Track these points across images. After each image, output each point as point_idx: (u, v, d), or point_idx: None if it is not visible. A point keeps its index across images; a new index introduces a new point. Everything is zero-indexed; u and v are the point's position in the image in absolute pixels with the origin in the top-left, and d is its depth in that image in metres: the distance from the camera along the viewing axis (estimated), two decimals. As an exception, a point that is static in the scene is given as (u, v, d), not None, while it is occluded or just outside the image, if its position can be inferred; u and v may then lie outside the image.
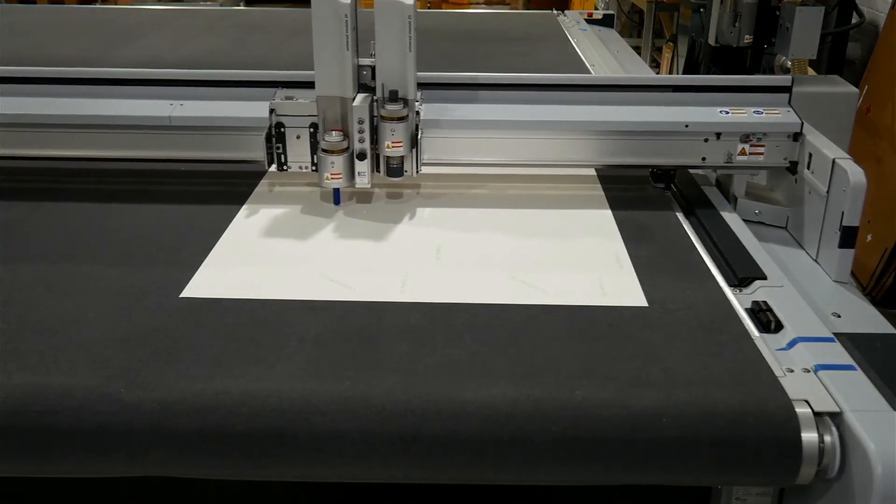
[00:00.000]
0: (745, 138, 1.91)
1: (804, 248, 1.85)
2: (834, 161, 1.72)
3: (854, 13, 3.44)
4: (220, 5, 6.07)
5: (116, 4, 5.89)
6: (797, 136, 1.90)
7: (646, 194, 2.00)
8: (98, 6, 5.27)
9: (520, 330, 1.39)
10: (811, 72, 3.07)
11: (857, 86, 2.25)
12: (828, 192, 1.74)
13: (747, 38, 2.25)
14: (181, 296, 1.48)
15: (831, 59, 3.78)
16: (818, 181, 1.79)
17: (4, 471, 1.24)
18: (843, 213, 1.68)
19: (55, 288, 1.50)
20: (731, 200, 2.00)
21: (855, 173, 1.66)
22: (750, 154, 1.92)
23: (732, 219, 1.87)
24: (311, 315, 1.42)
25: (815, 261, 1.79)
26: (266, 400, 1.20)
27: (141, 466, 1.21)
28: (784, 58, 2.18)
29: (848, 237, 1.69)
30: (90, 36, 3.40)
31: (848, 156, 1.74)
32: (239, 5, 6.96)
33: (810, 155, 1.85)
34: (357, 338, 1.36)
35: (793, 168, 1.92)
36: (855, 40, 3.98)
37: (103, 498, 1.51)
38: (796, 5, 2.12)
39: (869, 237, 3.67)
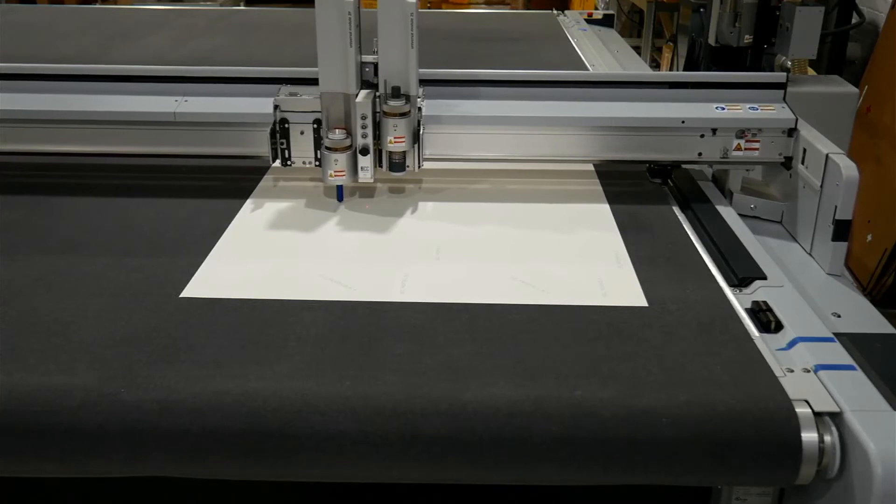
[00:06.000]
0: (741, 134, 1.93)
1: (798, 242, 1.87)
2: (827, 156, 1.74)
3: (854, 13, 3.43)
4: (220, 5, 6.07)
5: (116, 4, 5.89)
6: (792, 132, 1.92)
7: (643, 189, 2.01)
8: (98, 6, 5.27)
9: (520, 330, 1.39)
10: (811, 72, 3.07)
11: (857, 86, 2.25)
12: (821, 186, 1.76)
13: (747, 38, 2.25)
14: (181, 295, 1.48)
15: (831, 59, 3.78)
16: (812, 176, 1.80)
17: (4, 471, 1.24)
18: (836, 206, 1.69)
19: (55, 287, 1.50)
20: (727, 195, 2.01)
21: (847, 167, 1.67)
22: (745, 149, 1.94)
23: (729, 214, 1.88)
24: (311, 315, 1.42)
25: (810, 254, 1.81)
26: (266, 400, 1.20)
27: (141, 466, 1.21)
28: (784, 58, 2.18)
29: (841, 230, 1.70)
30: (91, 36, 3.40)
31: (841, 150, 1.76)
32: (239, 5, 6.96)
33: (804, 150, 1.86)
34: (357, 338, 1.36)
35: (787, 163, 1.94)
36: (855, 40, 3.98)
37: (103, 498, 1.51)
38: (796, 5, 2.12)
39: (869, 237, 3.67)
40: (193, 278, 1.54)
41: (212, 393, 1.22)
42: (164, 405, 1.20)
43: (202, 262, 1.61)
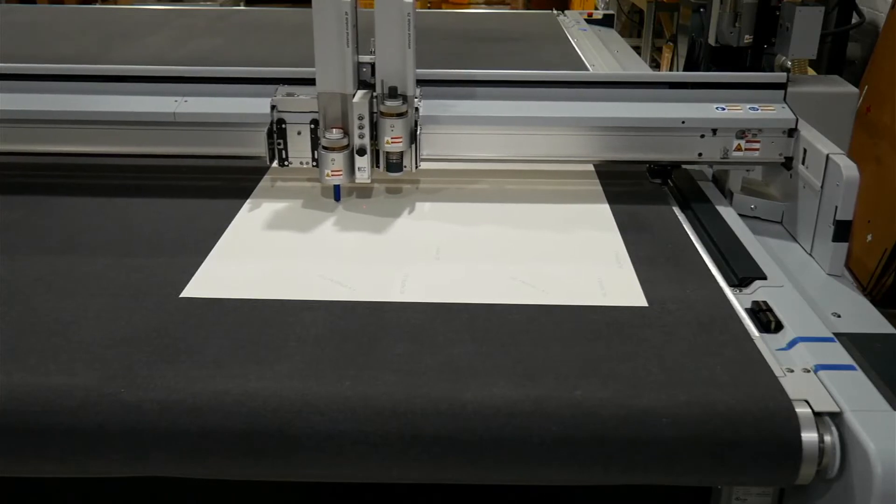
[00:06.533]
0: (741, 134, 1.93)
1: (799, 242, 1.87)
2: (828, 156, 1.74)
3: (854, 13, 3.43)
4: (220, 5, 6.07)
5: (116, 4, 5.89)
6: (792, 132, 1.91)
7: (643, 189, 2.01)
8: (98, 6, 5.27)
9: (520, 330, 1.39)
10: (811, 72, 3.07)
11: (857, 86, 2.25)
12: (822, 186, 1.76)
13: (747, 38, 2.25)
14: (181, 295, 1.48)
15: (831, 59, 3.78)
16: (812, 176, 1.80)
17: (4, 471, 1.24)
18: (836, 207, 1.69)
19: (55, 287, 1.50)
20: (728, 196, 2.02)
21: (848, 168, 1.67)
22: (745, 150, 1.94)
23: (729, 214, 1.88)
24: (310, 315, 1.42)
25: (810, 254, 1.81)
26: (266, 400, 1.20)
27: (141, 466, 1.21)
28: (784, 58, 2.18)
29: (841, 231, 1.70)
30: (91, 36, 3.41)
31: (841, 151, 1.76)
32: (239, 5, 6.96)
33: (805, 150, 1.86)
34: (357, 338, 1.36)
35: (788, 163, 1.94)
36: (855, 40, 3.98)
37: (103, 498, 1.51)
38: (796, 5, 2.12)
39: (869, 237, 3.67)
40: (193, 278, 1.54)
41: (212, 393, 1.22)
42: (164, 405, 1.20)
43: (202, 262, 1.61)
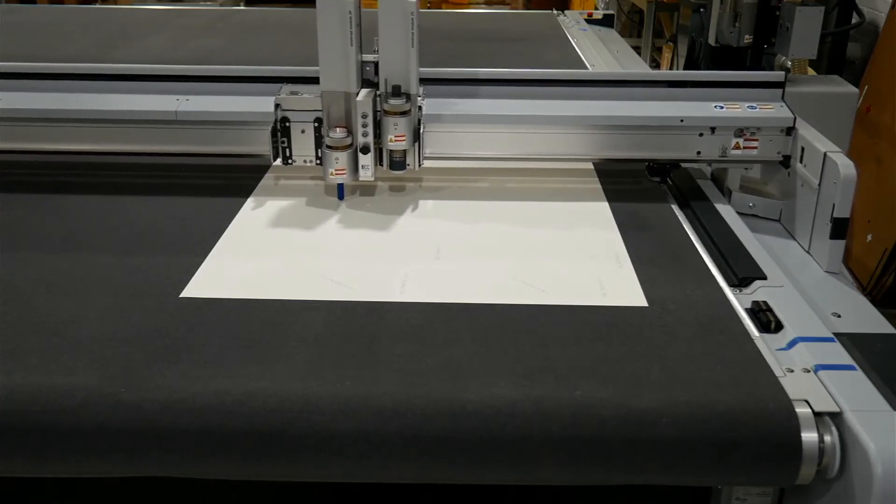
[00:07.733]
0: (739, 133, 1.93)
1: (797, 240, 1.87)
2: (825, 154, 1.74)
3: (854, 13, 3.43)
4: (220, 5, 6.07)
5: (116, 4, 5.89)
6: (790, 131, 1.92)
7: (642, 188, 2.01)
8: (98, 6, 5.27)
9: (520, 330, 1.39)
10: (811, 72, 3.07)
11: (857, 86, 2.25)
12: (819, 184, 1.76)
13: (747, 38, 2.26)
14: (181, 295, 1.48)
15: (831, 59, 3.78)
16: (810, 174, 1.81)
17: (4, 471, 1.24)
18: (834, 204, 1.70)
19: (55, 287, 1.50)
20: (726, 194, 2.02)
21: (845, 166, 1.68)
22: (744, 148, 1.94)
23: (728, 212, 1.88)
24: (311, 315, 1.42)
25: (808, 252, 1.81)
26: (266, 400, 1.20)
27: (141, 466, 1.21)
28: (784, 58, 2.19)
29: (839, 228, 1.71)
30: (91, 36, 3.40)
31: (838, 149, 1.76)
32: (239, 5, 6.95)
33: (802, 149, 1.87)
34: (357, 338, 1.36)
35: (786, 162, 1.94)
36: (855, 40, 3.97)
37: (103, 498, 1.51)
38: (796, 5, 2.12)
39: (869, 237, 3.67)
40: (193, 278, 1.54)
41: (212, 393, 1.22)
42: (164, 405, 1.20)
43: (202, 261, 1.61)
